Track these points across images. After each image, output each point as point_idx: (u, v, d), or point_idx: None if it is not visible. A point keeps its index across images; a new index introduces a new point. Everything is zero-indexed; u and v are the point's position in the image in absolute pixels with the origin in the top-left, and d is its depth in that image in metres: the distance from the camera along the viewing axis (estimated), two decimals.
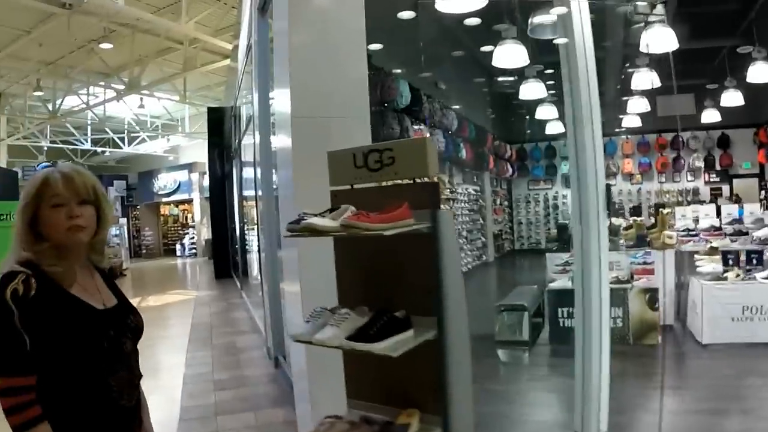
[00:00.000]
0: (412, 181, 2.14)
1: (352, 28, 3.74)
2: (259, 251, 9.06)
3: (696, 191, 16.75)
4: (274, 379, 7.03)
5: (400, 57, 10.01)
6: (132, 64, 19.29)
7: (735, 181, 16.53)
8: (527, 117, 13.96)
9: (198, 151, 28.50)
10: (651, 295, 7.71)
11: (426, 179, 2.11)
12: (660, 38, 7.92)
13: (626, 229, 9.88)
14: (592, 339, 4.34)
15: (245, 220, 16.53)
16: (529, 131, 16.62)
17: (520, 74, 10.47)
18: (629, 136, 17.00)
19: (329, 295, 2.42)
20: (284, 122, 3.84)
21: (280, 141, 4.13)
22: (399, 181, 2.20)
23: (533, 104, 12.44)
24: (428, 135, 11.86)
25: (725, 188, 16.55)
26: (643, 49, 8.50)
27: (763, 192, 15.40)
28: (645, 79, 9.80)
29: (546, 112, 12.76)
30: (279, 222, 5.61)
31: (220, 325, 10.94)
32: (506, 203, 19.41)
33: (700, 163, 16.71)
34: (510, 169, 18.61)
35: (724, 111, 12.52)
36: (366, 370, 2.31)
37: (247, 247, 15.96)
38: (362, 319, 2.07)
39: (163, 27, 16.65)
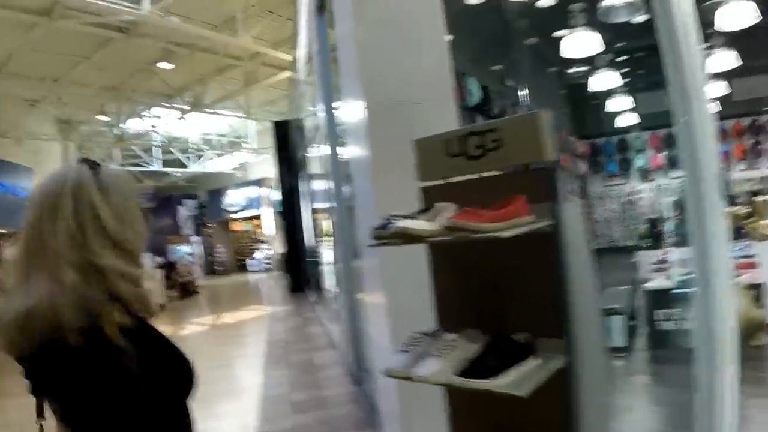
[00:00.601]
0: (524, 169, 1.68)
1: (425, 7, 3.30)
2: (333, 263, 8.71)
3: None
4: (355, 399, 6.60)
5: (467, 52, 9.59)
6: (193, 84, 19.26)
7: None
8: (599, 110, 13.58)
9: (266, 166, 28.42)
10: (756, 292, 7.04)
11: (542, 164, 1.65)
12: (736, 13, 7.33)
13: None
14: (716, 344, 3.79)
15: (317, 233, 16.29)
16: (600, 125, 15.86)
17: (590, 64, 9.95)
18: None
19: (420, 309, 1.99)
20: (357, 113, 3.42)
21: (355, 136, 3.65)
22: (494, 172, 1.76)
23: (603, 96, 12.05)
24: None
25: None
26: (717, 27, 7.92)
27: None
28: (722, 59, 9.21)
29: (618, 103, 12.17)
30: (353, 231, 5.26)
31: (295, 341, 10.60)
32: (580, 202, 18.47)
33: None
34: (583, 166, 17.88)
35: None
36: (475, 407, 1.86)
37: (319, 260, 15.72)
38: (473, 347, 1.63)
39: (221, 43, 16.52)
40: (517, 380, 1.48)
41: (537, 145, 1.67)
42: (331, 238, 14.39)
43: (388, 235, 1.61)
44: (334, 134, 7.23)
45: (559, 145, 15.77)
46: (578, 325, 1.61)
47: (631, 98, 12.31)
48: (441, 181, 1.90)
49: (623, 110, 12.93)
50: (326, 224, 14.54)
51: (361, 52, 3.22)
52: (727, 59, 9.15)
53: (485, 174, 1.79)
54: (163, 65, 17.32)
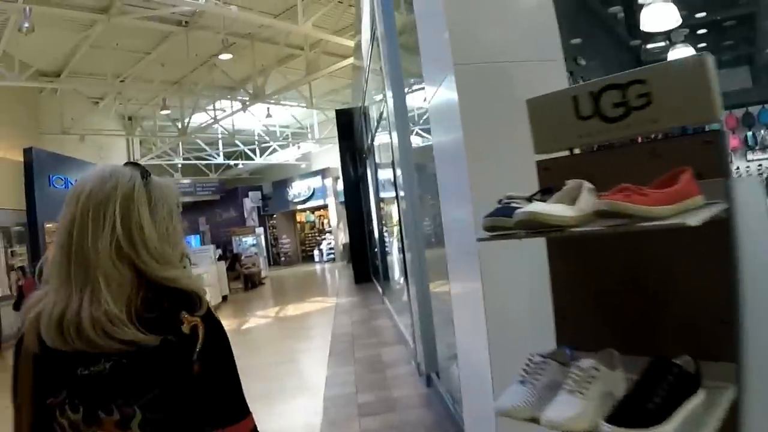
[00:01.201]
0: (678, 134, 1.21)
1: None
2: (402, 252, 8.27)
3: None
4: (427, 401, 6.16)
5: None
6: (255, 75, 19.11)
7: None
8: None
9: (329, 156, 28.54)
10: None
11: (708, 127, 1.19)
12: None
13: None
14: None
15: (384, 222, 15.94)
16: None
17: (667, 39, 9.27)
18: None
19: (531, 318, 1.57)
20: (443, 77, 2.87)
21: (439, 105, 3.07)
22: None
23: None
24: None
25: None
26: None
27: None
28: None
29: None
30: (430, 220, 4.81)
31: (362, 335, 10.22)
32: None
33: None
34: None
35: None
36: None
37: (386, 249, 15.36)
38: (618, 376, 1.19)
39: (282, 31, 16.38)
40: (688, 426, 1.05)
41: (702, 102, 1.21)
42: (399, 228, 14.09)
43: (515, 224, 1.18)
44: (405, 120, 6.87)
45: None
46: (757, 344, 1.16)
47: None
48: (566, 153, 1.45)
49: None
50: (394, 214, 14.19)
51: (449, 7, 2.68)
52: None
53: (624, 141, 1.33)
54: (224, 56, 17.15)
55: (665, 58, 9.47)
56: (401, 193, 7.26)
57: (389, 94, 7.00)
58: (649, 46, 10.75)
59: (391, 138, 7.32)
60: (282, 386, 7.24)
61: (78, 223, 1.48)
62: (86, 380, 1.42)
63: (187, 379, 1.46)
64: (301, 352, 9.87)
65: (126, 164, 1.61)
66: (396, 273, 14.53)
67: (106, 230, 1.47)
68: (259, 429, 1.58)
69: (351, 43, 15.36)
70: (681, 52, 9.55)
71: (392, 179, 12.34)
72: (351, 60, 16.47)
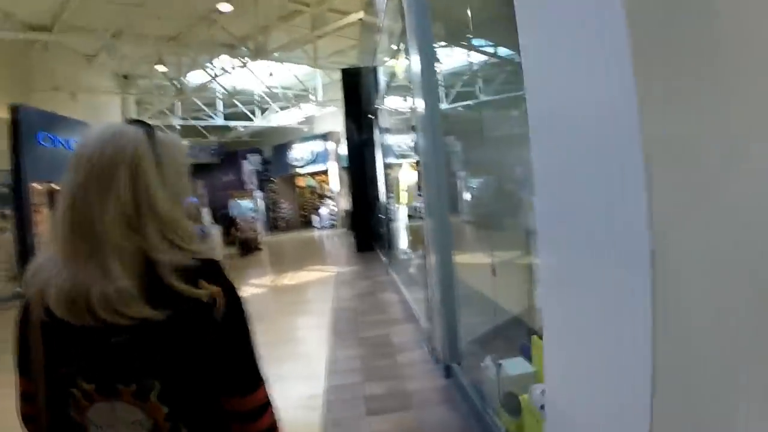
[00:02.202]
0: None
1: None
2: (414, 220, 7.37)
3: None
4: (447, 396, 5.32)
5: None
6: (256, 33, 18.20)
7: None
8: None
9: (333, 120, 27.75)
10: None
11: None
12: None
13: None
14: None
15: (389, 189, 15.16)
16: None
17: None
18: None
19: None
20: None
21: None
22: None
23: None
24: None
25: None
26: None
27: None
28: None
29: None
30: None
31: (367, 310, 9.37)
32: None
33: None
34: None
35: None
36: None
37: (392, 217, 14.59)
38: None
39: None
40: None
41: None
42: (410, 194, 13.26)
43: None
44: (433, 80, 6.06)
45: None
46: None
47: None
48: None
49: None
50: (403, 179, 13.37)
51: None
52: None
53: None
54: (224, 6, 16.13)
55: None
56: (423, 158, 6.40)
57: (414, 51, 6.17)
58: None
59: (414, 100, 6.50)
60: (277, 373, 6.23)
61: (81, 191, 1.41)
62: (101, 351, 1.39)
63: (206, 350, 1.44)
64: (299, 329, 9.07)
65: (129, 122, 1.52)
66: (403, 242, 13.76)
67: (112, 199, 1.39)
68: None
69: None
70: None
71: (406, 144, 11.68)
72: (361, 14, 15.55)
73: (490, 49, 9.97)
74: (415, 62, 6.14)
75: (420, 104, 6.11)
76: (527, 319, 5.72)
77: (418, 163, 8.17)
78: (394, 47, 9.51)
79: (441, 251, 6.01)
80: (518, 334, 5.14)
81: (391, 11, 8.61)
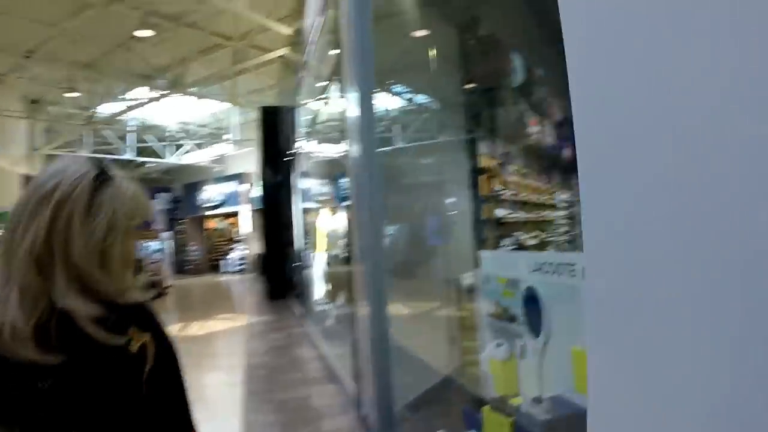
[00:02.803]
0: None
1: None
2: (357, 264, 6.60)
3: None
4: None
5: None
6: (175, 65, 17.36)
7: None
8: None
9: (246, 160, 26.74)
10: None
11: None
12: None
13: None
14: None
15: (307, 234, 14.39)
16: None
17: None
18: None
19: None
20: None
21: None
22: None
23: None
24: (543, 125, 9.81)
25: None
26: None
27: None
28: None
29: None
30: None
31: (283, 367, 8.46)
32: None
33: None
34: None
35: None
36: None
37: (308, 264, 13.81)
38: None
39: (210, 14, 14.63)
40: None
41: None
42: (325, 240, 12.50)
43: None
44: (372, 123, 5.43)
45: None
46: None
47: None
48: None
49: None
50: (322, 225, 12.61)
51: None
52: None
53: None
54: (143, 33, 15.18)
55: None
56: (356, 202, 5.72)
57: (353, 92, 5.54)
58: None
59: (348, 143, 5.87)
60: None
61: (15, 218, 1.38)
62: (28, 396, 1.29)
63: (134, 401, 1.37)
64: (209, 387, 8.03)
65: (94, 161, 1.48)
66: (320, 292, 12.97)
67: (31, 233, 1.34)
68: None
69: (288, 31, 13.79)
70: None
71: (328, 188, 11.06)
72: (284, 51, 14.93)
73: (408, 96, 9.67)
74: (353, 104, 5.52)
75: (356, 148, 5.46)
76: (461, 379, 5.32)
77: (347, 208, 7.54)
78: (322, 87, 8.95)
79: (374, 301, 5.26)
80: (455, 399, 4.86)
81: (321, 49, 8.06)
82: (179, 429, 1.49)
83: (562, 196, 13.34)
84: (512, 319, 3.62)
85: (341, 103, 6.38)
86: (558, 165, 12.59)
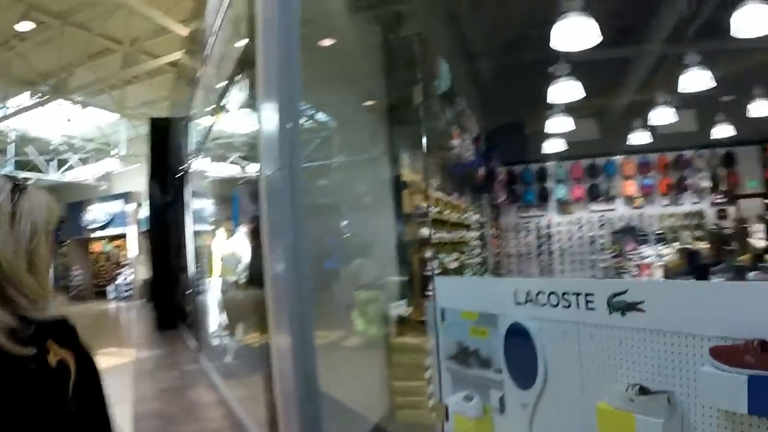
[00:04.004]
0: None
1: None
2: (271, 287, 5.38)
3: (701, 214, 15.82)
4: None
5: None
6: (60, 69, 15.82)
7: (741, 201, 15.70)
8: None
9: (134, 179, 25.10)
10: None
11: None
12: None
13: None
14: None
15: (200, 259, 13.04)
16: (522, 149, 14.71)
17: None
18: (630, 156, 16.03)
19: None
20: None
21: None
22: None
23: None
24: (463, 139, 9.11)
25: (731, 209, 15.64)
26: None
27: None
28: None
29: (558, 124, 10.74)
30: None
31: (178, 416, 7.07)
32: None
33: (707, 183, 15.90)
34: (502, 195, 16.38)
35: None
36: None
37: (201, 291, 12.49)
38: None
39: (100, 15, 13.30)
40: None
41: None
42: (222, 265, 11.23)
43: None
44: (296, 139, 4.22)
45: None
46: None
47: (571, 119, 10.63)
48: None
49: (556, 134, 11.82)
50: (219, 248, 11.32)
51: None
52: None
53: None
54: (25, 25, 13.58)
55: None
56: (265, 223, 4.59)
57: (270, 103, 4.44)
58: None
59: (262, 161, 4.72)
60: None
61: None
62: None
63: (59, 416, 1.41)
64: None
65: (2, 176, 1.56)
66: (217, 322, 11.66)
67: None
68: None
69: (185, 32, 12.59)
70: (564, 86, 8.71)
71: (225, 207, 10.11)
72: (178, 55, 13.68)
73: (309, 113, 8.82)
74: (271, 115, 4.41)
75: (272, 164, 4.34)
76: (393, 427, 5.00)
77: (252, 230, 6.68)
78: (220, 96, 7.87)
79: (297, 333, 4.07)
80: None
81: (225, 49, 6.99)
82: None
83: (474, 216, 12.71)
84: (484, 364, 2.93)
85: (248, 115, 5.68)
86: (473, 183, 11.97)
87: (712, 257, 7.36)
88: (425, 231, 7.53)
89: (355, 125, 7.24)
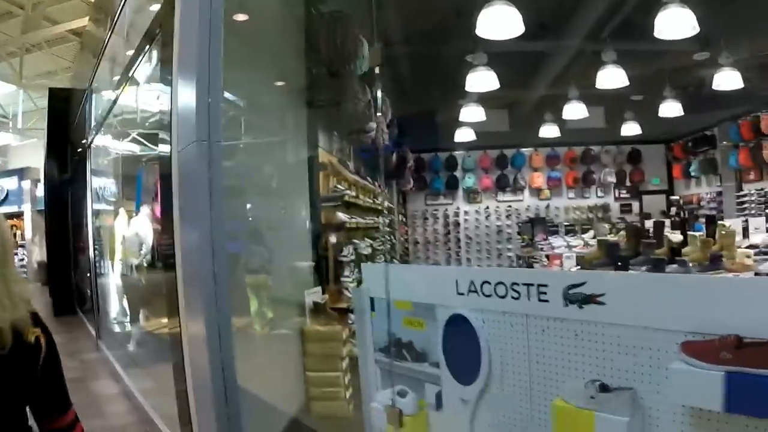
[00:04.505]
0: None
1: None
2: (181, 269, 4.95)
3: (606, 207, 16.85)
4: None
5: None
6: None
7: (644, 197, 17.03)
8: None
9: (32, 153, 24.22)
10: None
11: None
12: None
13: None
14: None
15: (100, 240, 12.35)
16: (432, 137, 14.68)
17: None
18: (538, 149, 16.67)
19: None
20: None
21: None
22: None
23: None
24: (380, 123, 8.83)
25: (635, 204, 16.96)
26: None
27: (673, 208, 15.75)
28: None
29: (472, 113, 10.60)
30: None
31: (79, 410, 6.37)
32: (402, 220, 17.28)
33: (612, 179, 16.75)
34: (410, 181, 16.23)
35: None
36: None
37: (102, 274, 11.83)
38: None
39: None
40: None
41: None
42: (124, 248, 10.62)
43: None
44: (217, 113, 3.88)
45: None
46: None
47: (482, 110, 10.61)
48: None
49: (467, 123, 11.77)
50: (121, 229, 10.71)
51: None
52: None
53: None
54: None
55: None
56: (178, 203, 4.17)
57: (187, 73, 4.04)
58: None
59: (175, 134, 4.27)
60: None
61: None
62: None
63: (31, 380, 1.83)
64: None
65: None
66: (118, 308, 11.07)
67: None
68: None
69: None
70: (480, 76, 8.77)
71: (128, 185, 9.58)
72: (84, 22, 12.96)
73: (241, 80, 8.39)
74: (186, 88, 4.02)
75: (187, 141, 3.95)
76: (308, 420, 4.88)
77: (162, 210, 5.89)
78: (128, 65, 7.36)
79: (212, 320, 3.73)
80: None
81: (139, 26, 6.51)
82: (64, 402, 1.99)
83: (386, 202, 12.52)
84: (419, 357, 2.79)
85: (158, 87, 5.17)
86: (385, 168, 11.77)
87: (631, 249, 7.33)
88: (341, 215, 7.28)
89: (269, 104, 6.87)
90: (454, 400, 2.64)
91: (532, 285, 2.31)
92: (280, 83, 6.84)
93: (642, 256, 7.00)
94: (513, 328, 2.39)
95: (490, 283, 2.44)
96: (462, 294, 2.55)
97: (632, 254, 7.16)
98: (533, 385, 2.35)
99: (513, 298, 2.36)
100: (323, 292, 6.08)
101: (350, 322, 5.41)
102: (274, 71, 6.52)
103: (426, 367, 2.74)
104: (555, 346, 2.28)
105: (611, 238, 8.40)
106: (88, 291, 13.03)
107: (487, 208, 17.24)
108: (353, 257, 7.70)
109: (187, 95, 3.99)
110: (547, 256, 10.37)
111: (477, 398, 2.54)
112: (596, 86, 8.50)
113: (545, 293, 2.27)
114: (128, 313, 9.99)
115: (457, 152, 16.93)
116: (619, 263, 6.80)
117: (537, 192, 17.07)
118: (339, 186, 7.53)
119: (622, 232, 8.32)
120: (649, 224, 8.91)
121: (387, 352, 2.96)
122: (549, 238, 11.97)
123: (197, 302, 3.90)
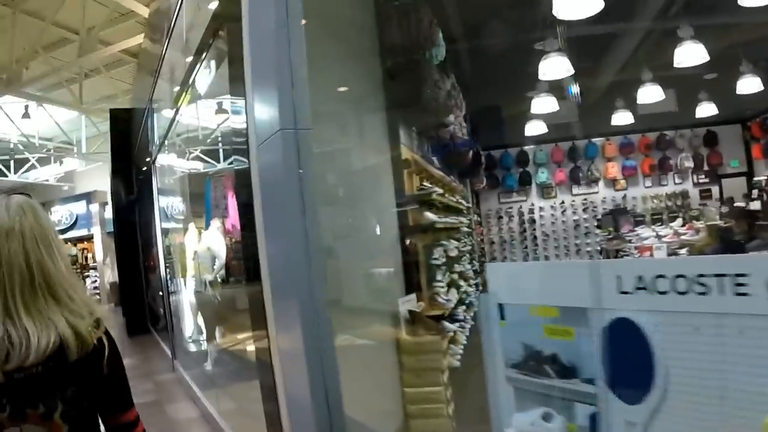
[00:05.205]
0: None
1: None
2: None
3: (685, 194, 15.92)
4: None
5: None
6: (12, 61, 14.94)
7: (723, 181, 15.93)
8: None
9: (97, 177, 24.43)
10: None
11: None
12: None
13: None
14: None
15: (171, 258, 12.15)
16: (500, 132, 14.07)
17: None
18: (610, 138, 15.83)
19: None
20: None
21: None
22: None
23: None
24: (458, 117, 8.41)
25: (714, 189, 15.90)
26: None
27: (755, 191, 13.95)
28: None
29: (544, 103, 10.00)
30: None
31: None
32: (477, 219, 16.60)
33: (689, 163, 15.75)
34: (483, 180, 15.60)
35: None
36: None
37: (175, 293, 11.61)
38: None
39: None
40: None
41: None
42: (195, 264, 10.35)
43: None
44: (305, 117, 3.31)
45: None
46: None
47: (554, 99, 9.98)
48: None
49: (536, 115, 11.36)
50: (191, 246, 10.44)
51: None
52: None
53: None
54: None
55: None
56: (261, 218, 3.74)
57: (264, 81, 3.62)
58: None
59: (256, 147, 3.85)
60: None
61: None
62: (19, 382, 1.70)
63: (98, 379, 1.84)
64: None
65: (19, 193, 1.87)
66: (192, 326, 10.78)
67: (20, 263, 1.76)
68: None
69: (143, 11, 11.74)
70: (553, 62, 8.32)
71: (197, 202, 9.36)
72: (139, 39, 12.82)
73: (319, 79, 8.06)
74: (263, 99, 3.59)
75: (270, 153, 3.51)
76: None
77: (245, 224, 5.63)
78: (192, 77, 7.03)
79: (312, 332, 3.23)
80: None
81: (196, 32, 6.12)
82: (126, 401, 1.96)
83: (466, 202, 12.05)
84: (567, 373, 2.27)
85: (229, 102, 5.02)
86: (461, 165, 11.32)
87: (744, 233, 6.78)
88: (430, 215, 6.78)
89: (347, 100, 6.41)
90: (615, 422, 2.13)
91: (725, 276, 1.79)
92: (356, 76, 6.42)
93: (757, 240, 6.48)
94: (698, 332, 1.87)
95: (665, 277, 1.94)
96: (627, 293, 2.03)
97: (746, 238, 6.62)
98: (726, 402, 1.81)
99: (698, 293, 1.85)
100: (417, 300, 5.62)
101: (447, 331, 4.97)
102: (349, 65, 6.08)
103: (577, 384, 2.23)
104: (758, 350, 1.74)
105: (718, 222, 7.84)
106: (161, 309, 12.92)
107: (563, 202, 16.55)
108: (444, 260, 7.23)
109: (264, 79, 3.55)
110: (637, 248, 9.91)
111: (648, 420, 2.02)
112: (674, 65, 7.97)
113: (744, 284, 1.75)
114: (204, 330, 9.72)
115: (527, 147, 16.32)
116: (735, 247, 6.30)
117: (612, 183, 16.31)
118: (426, 184, 7.04)
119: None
120: (755, 205, 8.37)
121: (522, 368, 2.46)
122: (636, 228, 11.49)
123: (290, 313, 3.44)
